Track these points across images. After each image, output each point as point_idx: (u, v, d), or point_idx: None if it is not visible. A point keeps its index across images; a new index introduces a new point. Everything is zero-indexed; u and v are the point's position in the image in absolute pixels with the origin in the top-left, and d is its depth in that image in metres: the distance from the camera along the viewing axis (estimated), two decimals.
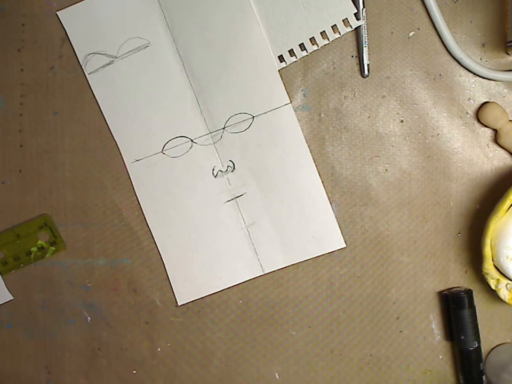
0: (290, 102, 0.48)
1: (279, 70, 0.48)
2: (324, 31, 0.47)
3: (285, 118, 0.48)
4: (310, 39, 0.47)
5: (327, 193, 0.49)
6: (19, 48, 0.50)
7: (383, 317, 0.50)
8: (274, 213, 0.49)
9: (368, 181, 0.49)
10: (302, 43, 0.47)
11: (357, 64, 0.48)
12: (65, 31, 0.49)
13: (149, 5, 0.48)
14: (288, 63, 0.48)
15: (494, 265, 0.45)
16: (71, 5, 0.49)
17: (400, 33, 0.48)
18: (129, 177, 0.50)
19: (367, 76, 0.48)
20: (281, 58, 0.48)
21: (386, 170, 0.49)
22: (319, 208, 0.49)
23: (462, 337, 0.48)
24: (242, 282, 0.50)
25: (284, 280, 0.50)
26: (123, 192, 0.50)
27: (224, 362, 0.51)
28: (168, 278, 0.50)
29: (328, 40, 0.47)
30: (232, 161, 0.49)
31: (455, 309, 0.48)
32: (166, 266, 0.50)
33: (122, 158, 0.50)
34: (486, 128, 0.48)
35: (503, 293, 0.46)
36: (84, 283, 0.51)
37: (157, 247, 0.50)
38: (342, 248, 0.49)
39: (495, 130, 0.48)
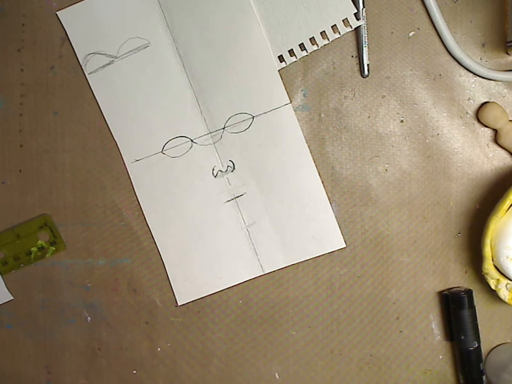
0: (290, 102, 0.48)
1: (279, 70, 0.48)
2: (324, 31, 0.47)
3: (285, 118, 0.48)
4: (310, 39, 0.47)
5: (327, 193, 0.49)
6: (19, 48, 0.50)
7: (383, 317, 0.50)
8: (274, 213, 0.49)
9: (368, 181, 0.49)
10: (302, 43, 0.47)
11: (357, 64, 0.48)
12: (65, 31, 0.49)
13: (149, 5, 0.48)
14: (288, 63, 0.48)
15: (494, 265, 0.45)
16: (71, 5, 0.49)
17: (400, 33, 0.48)
18: (129, 177, 0.50)
19: (367, 76, 0.48)
20: (281, 58, 0.48)
21: (386, 170, 0.49)
22: (319, 208, 0.49)
23: (462, 337, 0.48)
24: (242, 282, 0.50)
25: (284, 280, 0.50)
26: (123, 192, 0.50)
27: (224, 362, 0.51)
28: (168, 278, 0.50)
29: (328, 40, 0.47)
30: (232, 161, 0.49)
31: (455, 309, 0.48)
32: (166, 266, 0.50)
33: (122, 158, 0.50)
34: (486, 128, 0.48)
35: (503, 293, 0.46)
36: (84, 283, 0.51)
37: (157, 247, 0.50)
38: (342, 248, 0.49)
39: (495, 130, 0.48)
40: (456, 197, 0.49)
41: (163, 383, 0.52)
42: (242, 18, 0.48)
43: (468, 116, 0.48)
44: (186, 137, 0.49)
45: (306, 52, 0.48)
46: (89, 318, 0.51)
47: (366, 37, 0.47)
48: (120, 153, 0.50)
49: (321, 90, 0.49)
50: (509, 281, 0.45)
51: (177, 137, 0.49)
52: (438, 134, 0.49)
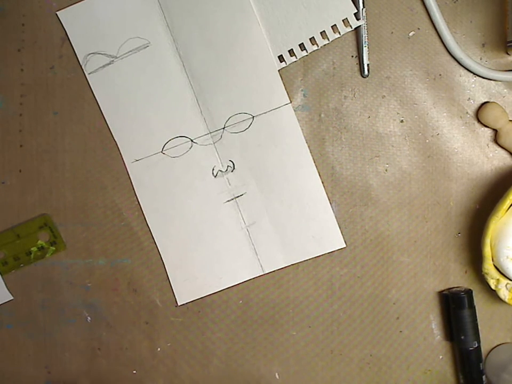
0: (290, 102, 0.48)
1: (279, 70, 0.48)
2: (324, 31, 0.47)
3: (285, 118, 0.48)
4: (310, 39, 0.47)
5: (327, 193, 0.49)
6: (19, 48, 0.50)
7: (383, 317, 0.50)
8: (274, 213, 0.49)
9: (368, 181, 0.49)
10: (302, 43, 0.47)
11: (357, 64, 0.48)
12: (65, 31, 0.49)
13: (149, 5, 0.48)
14: (288, 63, 0.48)
15: (494, 265, 0.45)
16: (71, 5, 0.49)
17: (400, 33, 0.48)
18: (129, 177, 0.50)
19: (367, 75, 0.48)
20: (281, 58, 0.48)
21: (386, 170, 0.49)
22: (319, 208, 0.49)
23: (462, 337, 0.48)
24: (242, 282, 0.50)
25: (284, 280, 0.50)
26: (123, 192, 0.50)
27: (224, 362, 0.51)
28: (168, 278, 0.50)
29: (328, 40, 0.47)
30: (232, 161, 0.49)
31: (455, 309, 0.48)
32: (166, 266, 0.50)
33: (122, 158, 0.50)
34: (486, 128, 0.48)
35: (503, 293, 0.46)
36: (84, 283, 0.51)
37: (157, 247, 0.50)
38: (342, 248, 0.49)
39: (495, 130, 0.48)
40: (456, 197, 0.49)
41: (163, 383, 0.51)
42: (242, 18, 0.48)
43: (468, 116, 0.48)
44: (186, 137, 0.49)
45: (306, 51, 0.48)
46: (89, 318, 0.51)
47: (366, 37, 0.47)
48: (120, 153, 0.50)
49: (321, 90, 0.49)
50: (509, 281, 0.45)
51: (177, 137, 0.49)
52: (438, 134, 0.49)
